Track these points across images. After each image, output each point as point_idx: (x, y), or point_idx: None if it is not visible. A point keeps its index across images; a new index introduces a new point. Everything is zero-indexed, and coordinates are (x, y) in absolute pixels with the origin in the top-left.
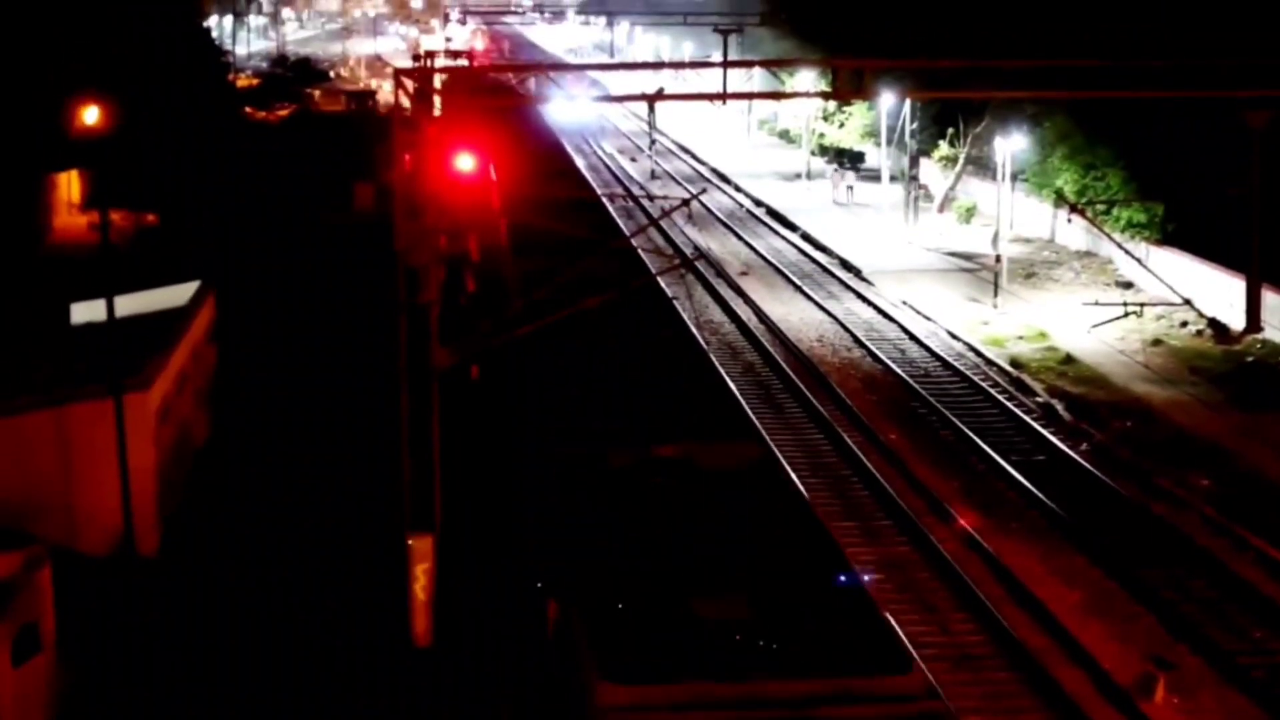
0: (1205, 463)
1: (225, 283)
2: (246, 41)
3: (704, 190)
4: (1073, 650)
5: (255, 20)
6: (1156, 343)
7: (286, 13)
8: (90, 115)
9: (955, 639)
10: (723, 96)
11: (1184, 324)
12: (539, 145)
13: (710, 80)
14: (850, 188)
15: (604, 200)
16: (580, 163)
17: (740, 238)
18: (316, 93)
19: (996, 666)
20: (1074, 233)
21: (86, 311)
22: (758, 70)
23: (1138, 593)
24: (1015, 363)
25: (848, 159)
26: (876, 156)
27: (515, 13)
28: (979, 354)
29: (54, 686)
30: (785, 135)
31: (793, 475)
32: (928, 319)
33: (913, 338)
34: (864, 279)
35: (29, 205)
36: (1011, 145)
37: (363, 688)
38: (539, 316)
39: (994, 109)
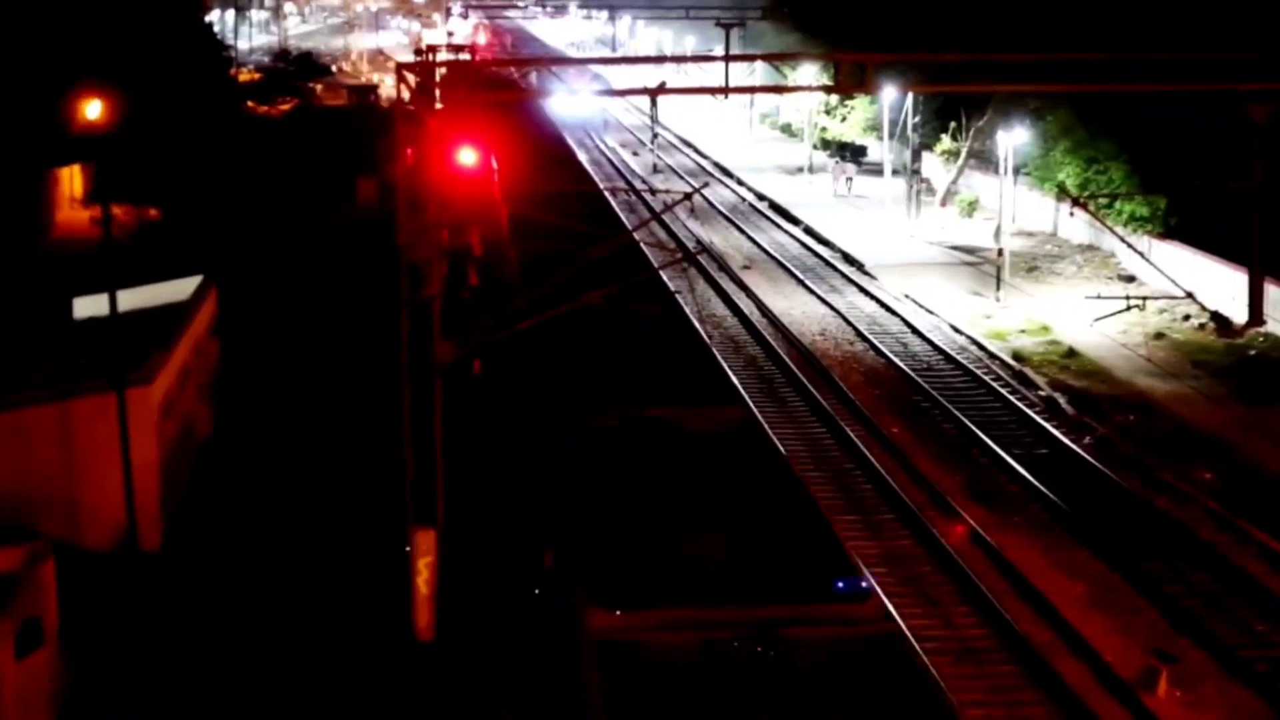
0: (1207, 456)
1: (227, 277)
2: (248, 36)
3: (706, 184)
4: (1075, 644)
5: (257, 15)
6: (1159, 336)
7: (288, 7)
8: (93, 110)
9: (958, 632)
10: (725, 90)
11: (1186, 317)
12: (541, 139)
13: (712, 74)
14: (849, 179)
15: (606, 194)
16: (583, 157)
17: (743, 232)
18: (318, 87)
19: (999, 660)
20: (1076, 226)
21: (89, 306)
22: (760, 64)
23: (1140, 586)
24: (1018, 356)
25: (850, 153)
26: (879, 150)
27: (517, 7)
28: (981, 347)
29: (57, 681)
30: (787, 129)
31: (771, 434)
32: (930, 312)
33: (915, 331)
34: (866, 273)
35: (31, 200)
36: (1014, 139)
37: (365, 682)
38: (541, 311)
39: (996, 103)
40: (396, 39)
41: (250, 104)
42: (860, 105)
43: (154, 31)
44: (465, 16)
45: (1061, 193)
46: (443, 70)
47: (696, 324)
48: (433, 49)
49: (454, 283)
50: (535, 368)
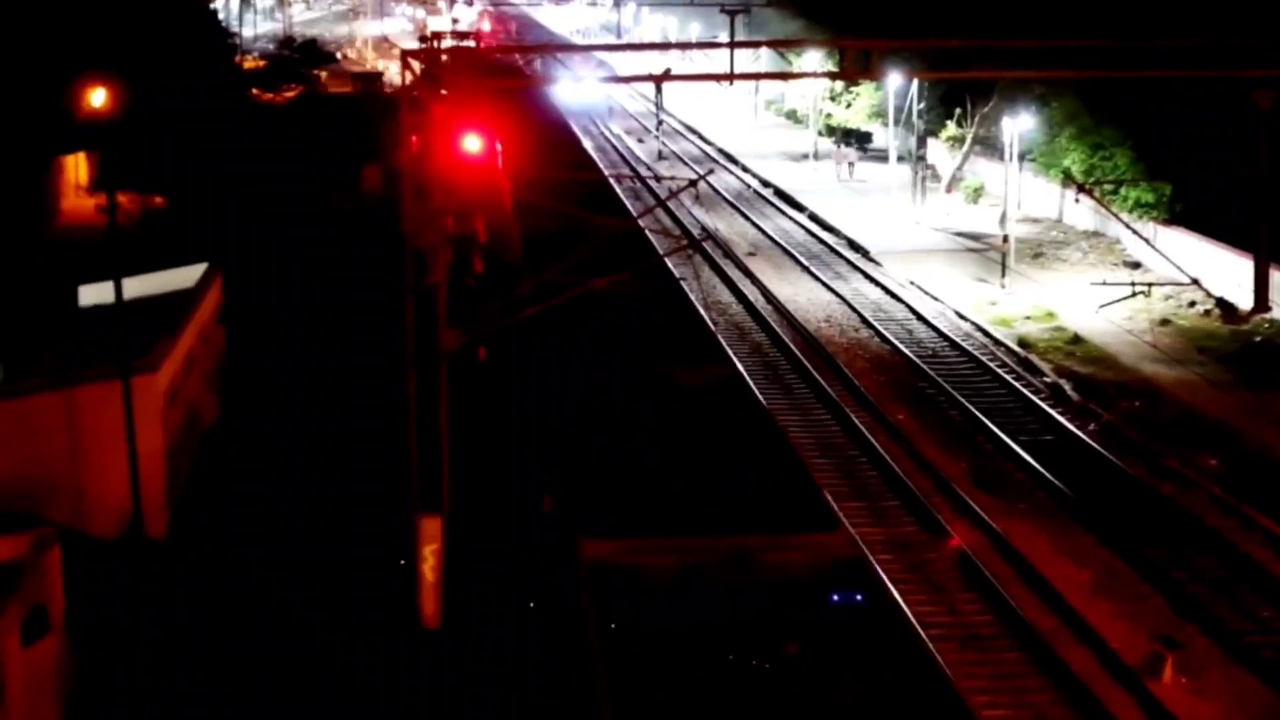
0: (1213, 442)
1: (233, 265)
2: (253, 23)
3: (711, 171)
4: (1081, 630)
5: (262, 2)
6: (1164, 322)
7: None
8: (97, 97)
9: (963, 619)
10: (730, 77)
11: (1192, 304)
12: (546, 126)
13: (717, 61)
14: (851, 164)
15: (611, 181)
16: (587, 144)
17: (747, 218)
18: (323, 74)
19: (1004, 647)
20: (1081, 213)
21: (94, 294)
22: (765, 50)
23: (1146, 572)
24: (1023, 343)
25: (855, 139)
26: (884, 137)
27: None
28: (987, 334)
29: (63, 668)
30: (792, 116)
31: (753, 388)
32: (935, 299)
33: (920, 318)
34: (871, 259)
35: (37, 188)
36: (1019, 125)
37: (372, 669)
38: (546, 297)
39: (1001, 89)
40: (401, 26)
41: (255, 91)
42: (865, 91)
43: (159, 19)
44: (470, 3)
45: (1067, 179)
46: (447, 57)
47: (701, 310)
48: (438, 36)
49: (459, 270)
50: (538, 352)
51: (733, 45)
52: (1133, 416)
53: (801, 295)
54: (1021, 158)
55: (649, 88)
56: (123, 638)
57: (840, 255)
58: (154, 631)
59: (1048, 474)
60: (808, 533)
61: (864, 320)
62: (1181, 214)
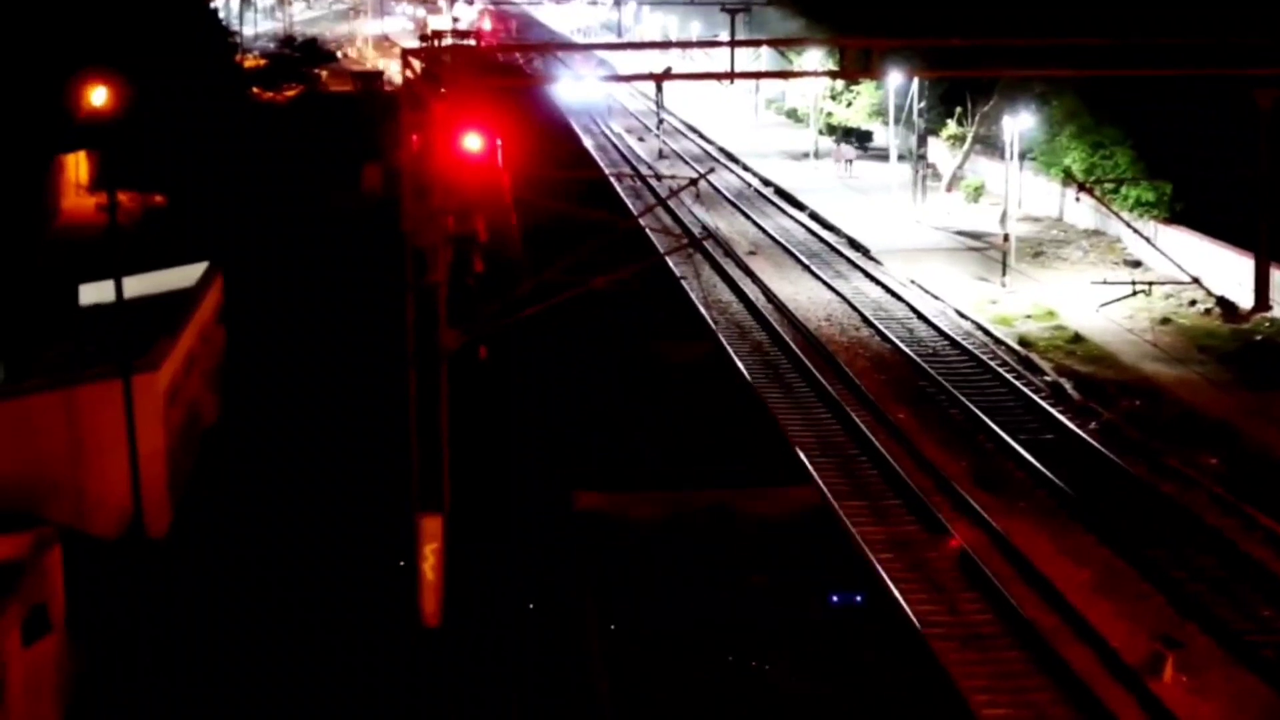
0: (1214, 441)
1: (233, 264)
2: (254, 22)
3: (712, 170)
4: (1081, 629)
5: (262, 1)
6: (1165, 321)
7: None
8: (98, 96)
9: (964, 618)
10: (730, 76)
11: (1192, 303)
12: (547, 125)
13: (718, 59)
14: (849, 161)
15: (612, 180)
16: (588, 143)
17: (748, 217)
18: (324, 73)
19: (1005, 645)
20: (1082, 211)
21: (95, 293)
22: (765, 49)
23: (1146, 572)
24: (1024, 341)
25: (855, 138)
26: (884, 135)
27: None
28: (987, 333)
29: (64, 668)
30: (793, 114)
31: (738, 363)
32: (936, 298)
33: (921, 317)
34: (872, 258)
35: (37, 187)
36: (1019, 124)
37: (372, 668)
38: (546, 297)
39: (1002, 88)
40: (402, 24)
41: (256, 90)
42: (866, 90)
43: (159, 18)
44: (470, 2)
45: (1067, 178)
46: (448, 56)
47: (702, 309)
48: (438, 34)
49: (459, 269)
50: (539, 354)
51: (733, 44)
52: (1133, 415)
53: (802, 294)
54: (1022, 156)
55: (650, 86)
56: (123, 638)
57: (841, 254)
58: (154, 631)
59: (1048, 473)
60: (780, 486)
61: (864, 319)
62: (1182, 213)
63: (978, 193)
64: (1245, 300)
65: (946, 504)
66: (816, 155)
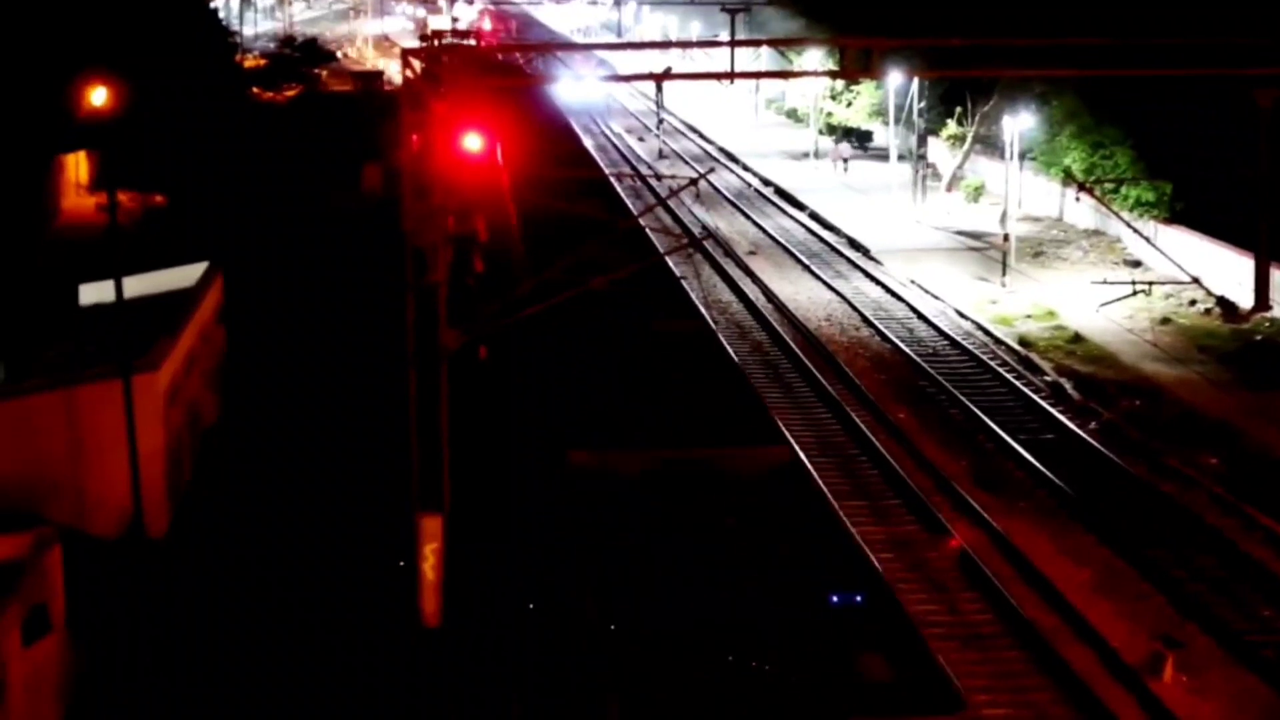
0: (1214, 441)
1: (233, 264)
2: (254, 22)
3: (712, 169)
4: (1081, 629)
5: (262, 1)
6: (1165, 321)
7: None
8: (98, 96)
9: (964, 618)
10: (730, 76)
11: (1192, 302)
12: (547, 125)
13: (718, 59)
14: (846, 160)
15: (612, 180)
16: (588, 142)
17: (748, 217)
18: (324, 73)
19: (1005, 645)
20: (1082, 211)
21: (95, 293)
22: (765, 49)
23: (1146, 572)
24: (1024, 341)
25: (855, 138)
26: (884, 135)
27: None
28: (987, 333)
29: (63, 667)
30: (793, 114)
31: (722, 341)
32: (936, 298)
33: (921, 317)
34: (872, 258)
35: (37, 187)
36: (1019, 124)
37: (372, 669)
38: (547, 297)
39: (1002, 88)
40: (401, 24)
41: (256, 90)
42: (866, 90)
43: (159, 18)
44: (470, 2)
45: (1067, 178)
46: (448, 56)
47: (702, 309)
48: (438, 34)
49: (459, 269)
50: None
51: (733, 44)
52: (1133, 415)
53: (802, 294)
54: (1022, 156)
55: (650, 86)
56: (123, 638)
57: (841, 254)
58: (154, 631)
59: (1048, 473)
60: (757, 446)
61: (864, 319)
62: (1182, 213)
63: (978, 193)
64: (1245, 300)
65: (946, 504)
66: (816, 155)
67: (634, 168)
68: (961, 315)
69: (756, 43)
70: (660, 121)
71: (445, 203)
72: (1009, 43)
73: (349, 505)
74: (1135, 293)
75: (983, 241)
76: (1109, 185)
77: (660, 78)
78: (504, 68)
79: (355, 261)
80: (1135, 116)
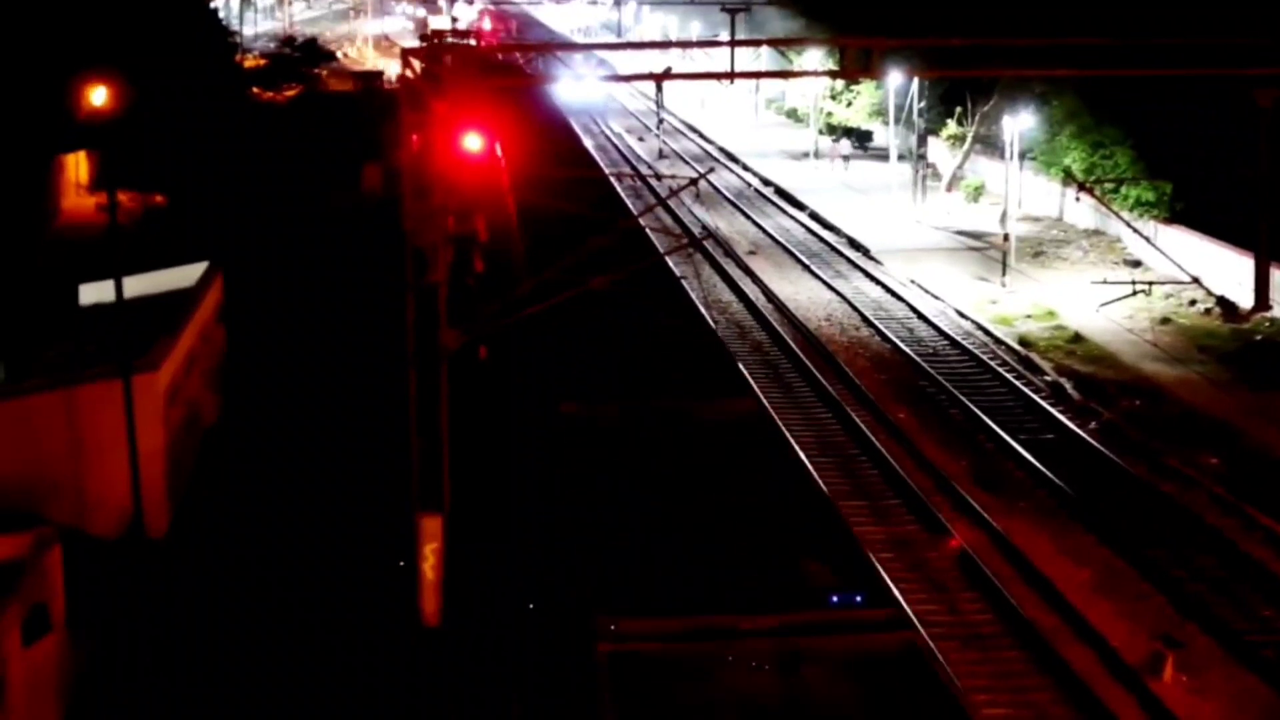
0: (1214, 441)
1: (233, 264)
2: (254, 22)
3: (712, 169)
4: (1081, 629)
5: (262, 1)
6: (1165, 321)
7: None
8: (98, 96)
9: (964, 618)
10: (730, 75)
11: (1192, 302)
12: (547, 125)
13: (718, 59)
14: (845, 158)
15: (612, 180)
16: (588, 142)
17: (748, 217)
18: (324, 73)
19: (1005, 645)
20: (1082, 211)
21: (95, 292)
22: (765, 49)
23: (1146, 572)
24: (1024, 341)
25: (855, 137)
26: (884, 135)
27: None
28: (987, 333)
29: (64, 667)
30: (793, 114)
31: (712, 326)
32: (936, 298)
33: (921, 317)
34: (872, 258)
35: (37, 186)
36: (1019, 124)
37: (372, 668)
38: (546, 297)
39: (1002, 87)
40: (401, 24)
41: (256, 90)
42: (866, 90)
43: (159, 18)
44: (470, 2)
45: (1067, 178)
46: (448, 56)
47: (702, 309)
48: (438, 34)
49: (459, 269)
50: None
51: (733, 44)
52: (1133, 415)
53: (802, 294)
54: (1022, 156)
55: (650, 86)
56: (123, 638)
57: (841, 254)
58: (154, 631)
59: (1048, 473)
60: (726, 397)
61: (864, 319)
62: (1182, 213)
63: (978, 192)
64: (1245, 300)
65: (946, 504)
66: (816, 155)
67: (634, 167)
68: (961, 315)
69: (756, 43)
70: (660, 121)
71: (445, 203)
72: (1009, 43)
73: (349, 505)
74: (1135, 293)
75: (983, 241)
76: (1109, 185)
77: (660, 78)
78: (504, 68)
79: (355, 261)
80: (1135, 116)
